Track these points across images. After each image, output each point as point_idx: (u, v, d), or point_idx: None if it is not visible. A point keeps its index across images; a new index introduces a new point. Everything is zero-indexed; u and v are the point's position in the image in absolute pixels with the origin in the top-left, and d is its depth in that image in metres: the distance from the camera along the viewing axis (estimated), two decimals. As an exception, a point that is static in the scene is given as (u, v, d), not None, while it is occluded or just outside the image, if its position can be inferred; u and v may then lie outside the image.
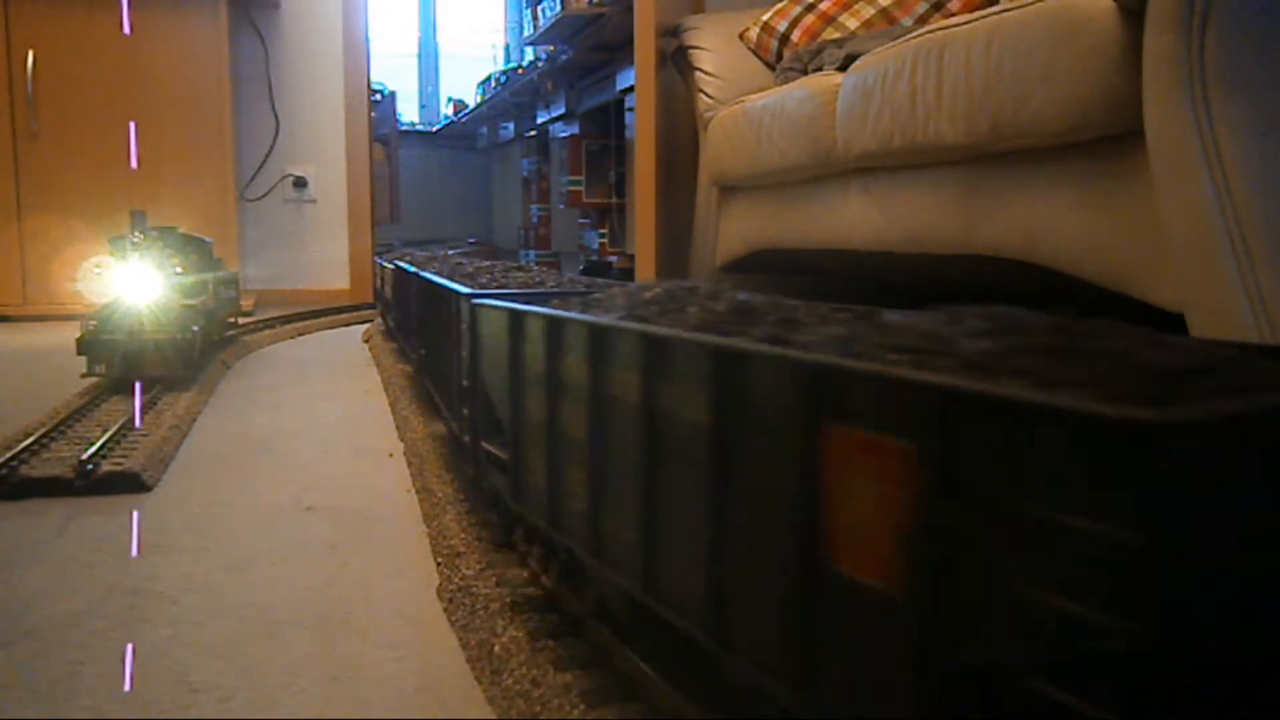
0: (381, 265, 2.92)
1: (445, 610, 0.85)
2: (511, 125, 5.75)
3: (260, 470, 1.37)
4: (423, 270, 1.64)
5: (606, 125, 4.07)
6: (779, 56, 2.36)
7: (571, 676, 0.66)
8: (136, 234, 1.93)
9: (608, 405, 0.60)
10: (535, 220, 5.32)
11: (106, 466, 1.26)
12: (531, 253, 5.33)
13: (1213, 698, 0.29)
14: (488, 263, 2.01)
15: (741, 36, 2.48)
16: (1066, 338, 0.40)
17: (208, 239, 2.37)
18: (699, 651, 0.51)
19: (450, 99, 7.09)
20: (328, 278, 4.06)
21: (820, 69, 2.01)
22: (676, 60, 2.56)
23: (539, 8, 3.99)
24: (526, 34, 4.56)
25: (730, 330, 0.54)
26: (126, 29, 3.30)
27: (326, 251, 4.07)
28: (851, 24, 2.29)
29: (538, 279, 1.33)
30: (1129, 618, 0.28)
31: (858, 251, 1.75)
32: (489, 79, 5.77)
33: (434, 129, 7.13)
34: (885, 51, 1.57)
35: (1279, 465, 0.30)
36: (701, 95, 2.41)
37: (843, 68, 1.85)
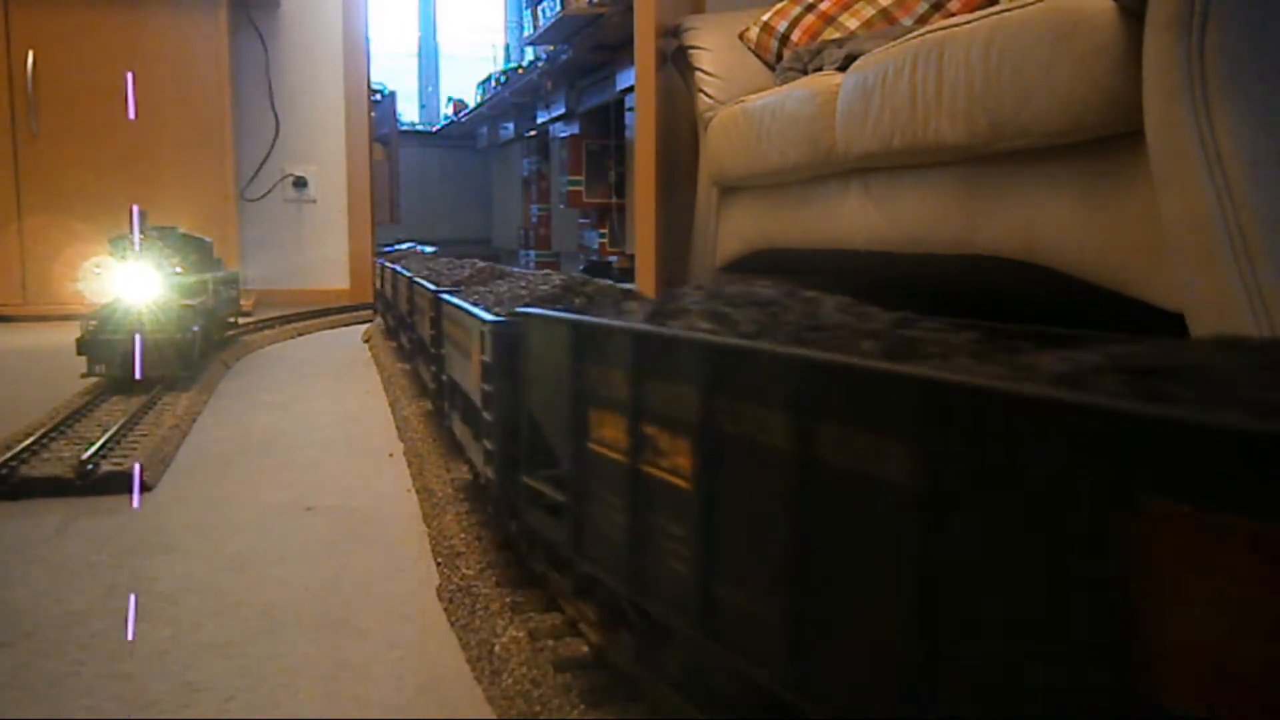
0: (382, 267, 2.92)
1: (445, 610, 0.85)
2: (511, 125, 5.74)
3: (260, 470, 1.37)
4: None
5: (606, 125, 4.07)
6: (779, 56, 2.36)
7: (571, 676, 0.66)
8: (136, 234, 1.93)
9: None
10: (535, 220, 5.31)
11: (106, 466, 1.26)
12: (531, 253, 5.32)
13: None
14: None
15: (741, 36, 2.48)
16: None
17: (208, 239, 2.37)
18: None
19: (450, 99, 7.08)
20: (328, 278, 4.06)
21: (820, 69, 2.01)
22: (676, 60, 2.56)
23: (539, 8, 3.99)
24: (526, 34, 4.56)
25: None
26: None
27: (326, 251, 4.07)
28: (851, 24, 2.28)
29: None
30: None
31: (858, 251, 1.75)
32: (489, 79, 5.77)
33: (434, 129, 7.12)
34: (885, 51, 1.57)
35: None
36: (701, 95, 2.41)
37: (843, 68, 1.85)
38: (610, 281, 0.95)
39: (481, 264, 1.82)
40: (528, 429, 0.72)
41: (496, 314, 0.81)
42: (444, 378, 1.19)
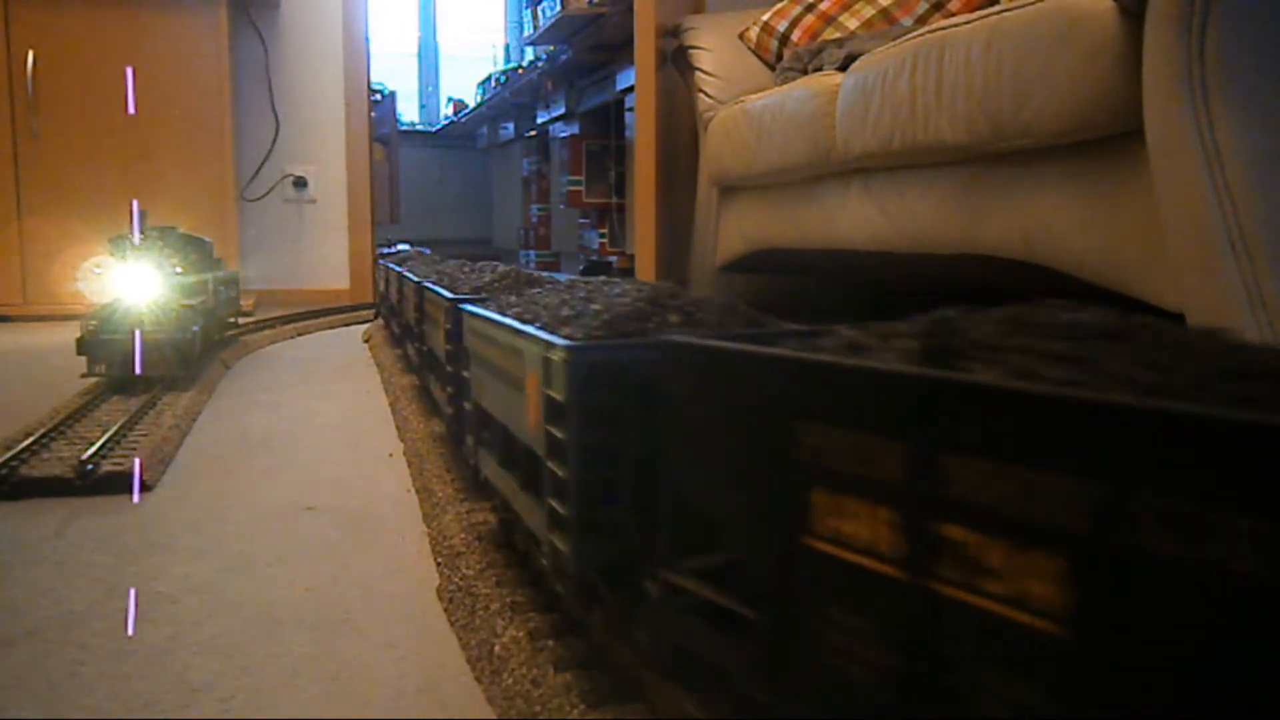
0: (387, 270, 2.93)
1: (445, 610, 0.85)
2: (511, 125, 5.74)
3: (260, 470, 1.37)
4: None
5: (606, 125, 4.07)
6: (779, 56, 2.36)
7: (571, 676, 0.66)
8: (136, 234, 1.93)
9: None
10: (535, 220, 5.31)
11: (106, 466, 1.26)
12: (531, 253, 5.32)
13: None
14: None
15: (741, 36, 2.48)
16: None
17: (208, 239, 2.37)
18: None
19: (450, 99, 7.08)
20: (328, 278, 4.06)
21: (820, 69, 2.01)
22: (676, 60, 2.56)
23: (539, 8, 3.99)
24: (526, 34, 4.56)
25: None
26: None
27: (326, 251, 4.07)
28: (851, 24, 2.29)
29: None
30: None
31: (858, 251, 1.75)
32: (489, 79, 5.77)
33: (434, 129, 7.12)
34: (885, 51, 1.57)
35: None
36: (701, 95, 2.41)
37: (843, 68, 1.85)
38: (704, 295, 0.72)
39: (503, 267, 1.61)
40: (670, 502, 0.55)
41: (567, 336, 0.65)
42: (466, 405, 1.00)
